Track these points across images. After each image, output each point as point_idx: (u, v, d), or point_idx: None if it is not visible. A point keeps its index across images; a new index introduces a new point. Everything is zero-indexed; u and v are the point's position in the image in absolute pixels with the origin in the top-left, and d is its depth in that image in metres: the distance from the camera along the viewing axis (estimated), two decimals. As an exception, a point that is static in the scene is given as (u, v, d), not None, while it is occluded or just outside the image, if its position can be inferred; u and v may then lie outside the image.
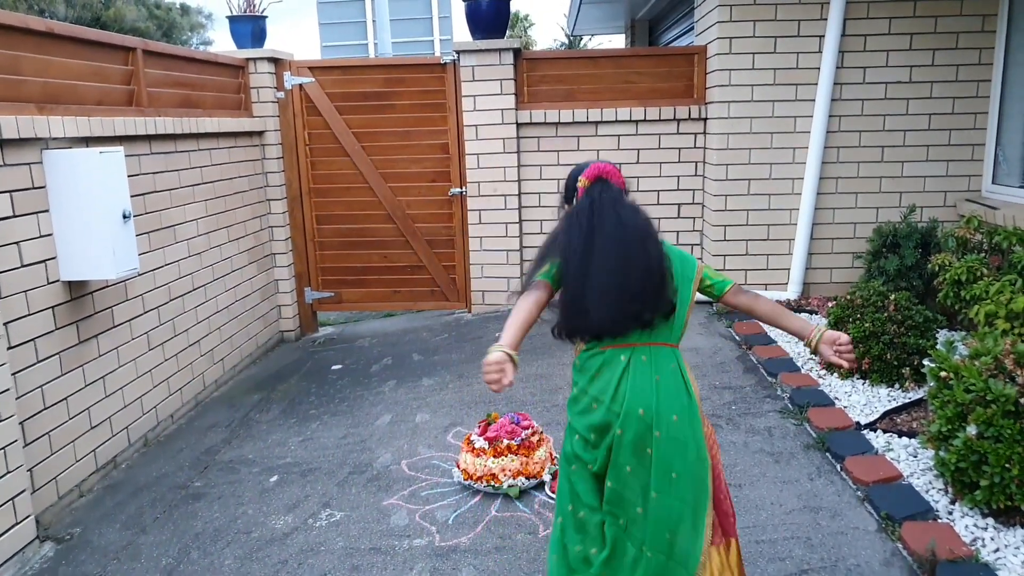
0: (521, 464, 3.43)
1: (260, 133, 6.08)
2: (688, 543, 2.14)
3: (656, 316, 2.22)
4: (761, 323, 5.27)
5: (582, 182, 2.32)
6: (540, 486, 3.45)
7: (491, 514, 3.29)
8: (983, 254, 4.42)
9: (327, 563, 3.03)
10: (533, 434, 3.55)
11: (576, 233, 2.21)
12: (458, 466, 3.57)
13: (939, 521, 2.89)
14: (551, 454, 3.57)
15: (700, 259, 2.11)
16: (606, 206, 2.23)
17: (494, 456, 3.44)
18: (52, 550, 3.31)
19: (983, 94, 5.48)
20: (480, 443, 3.51)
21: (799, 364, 4.51)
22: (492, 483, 3.40)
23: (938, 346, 3.92)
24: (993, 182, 5.50)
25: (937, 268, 4.42)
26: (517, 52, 6.06)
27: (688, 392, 2.24)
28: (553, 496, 3.34)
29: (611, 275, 2.16)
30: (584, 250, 2.18)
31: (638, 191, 6.17)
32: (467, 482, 3.47)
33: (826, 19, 5.40)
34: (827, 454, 3.52)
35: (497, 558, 2.97)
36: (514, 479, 3.40)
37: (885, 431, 3.63)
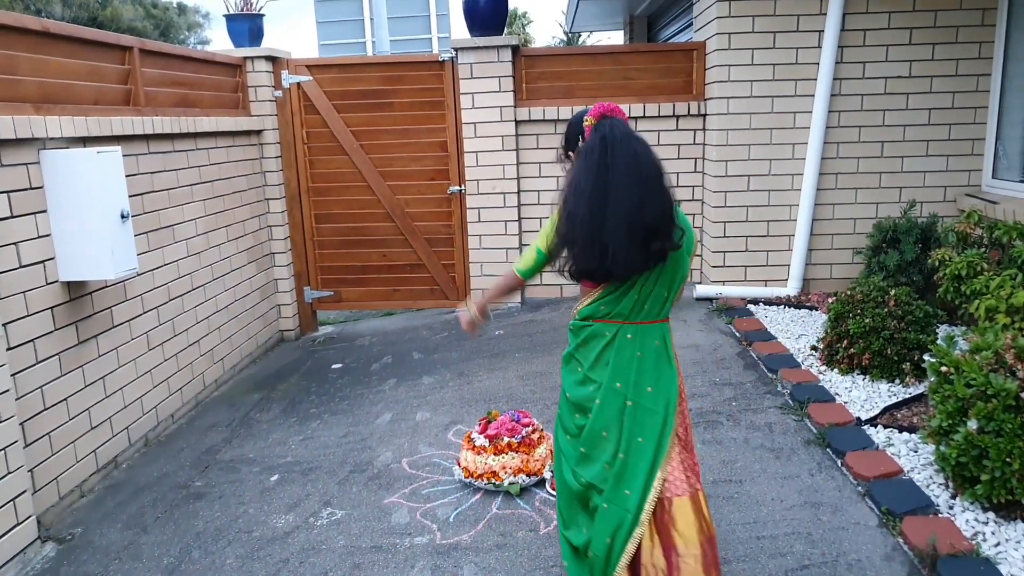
0: (522, 461, 3.42)
1: (258, 132, 6.07)
2: (642, 496, 2.25)
3: (668, 255, 2.23)
4: (761, 320, 5.27)
5: (588, 121, 2.30)
6: (541, 483, 3.45)
7: (492, 512, 3.29)
8: (983, 249, 4.42)
9: (328, 561, 3.03)
10: (534, 431, 3.55)
11: (590, 172, 2.19)
12: (459, 464, 3.57)
13: (940, 516, 2.89)
14: (551, 451, 3.57)
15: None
16: (619, 140, 2.20)
17: (495, 454, 3.43)
18: (54, 550, 3.30)
19: (983, 88, 5.48)
20: (481, 441, 3.50)
21: (799, 360, 4.50)
22: (493, 481, 3.40)
23: (938, 341, 3.92)
24: (993, 176, 5.49)
25: (937, 263, 4.42)
26: (515, 49, 6.05)
27: (669, 363, 2.33)
28: (554, 493, 3.34)
29: (629, 214, 2.14)
30: (598, 188, 2.17)
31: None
32: (468, 480, 3.47)
33: (825, 14, 5.39)
34: (828, 450, 3.52)
35: (498, 555, 2.96)
36: (515, 476, 3.40)
37: (886, 426, 3.62)
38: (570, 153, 2.45)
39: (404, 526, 3.24)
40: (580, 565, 2.40)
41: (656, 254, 2.19)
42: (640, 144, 2.22)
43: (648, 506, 2.24)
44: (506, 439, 3.46)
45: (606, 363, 2.29)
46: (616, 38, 20.83)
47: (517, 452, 3.44)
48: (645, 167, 2.19)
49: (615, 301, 2.27)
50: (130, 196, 4.10)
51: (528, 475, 3.42)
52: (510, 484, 3.39)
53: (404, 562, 2.98)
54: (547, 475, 3.44)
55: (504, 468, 3.41)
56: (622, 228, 2.14)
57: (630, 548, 2.25)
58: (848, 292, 4.38)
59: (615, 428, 2.28)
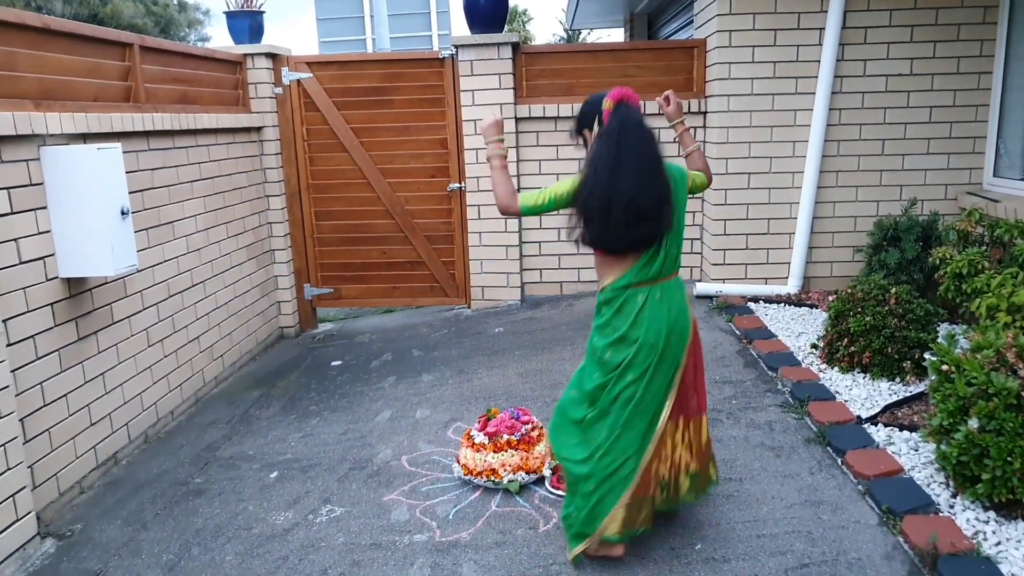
0: (521, 459, 3.42)
1: (258, 129, 6.06)
2: (650, 427, 2.69)
3: (663, 238, 2.61)
4: (761, 318, 5.27)
5: (607, 104, 2.60)
6: (540, 481, 3.44)
7: (491, 509, 3.28)
8: (984, 247, 4.41)
9: (328, 559, 3.03)
10: (533, 429, 3.55)
11: (607, 153, 2.53)
12: (458, 461, 3.57)
13: (940, 515, 2.89)
14: (551, 449, 3.56)
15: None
16: (632, 128, 2.56)
17: (494, 451, 3.43)
18: (53, 546, 3.30)
19: (984, 86, 5.47)
20: (480, 438, 3.50)
21: (799, 358, 4.50)
22: (492, 478, 3.40)
23: (939, 339, 3.91)
24: (994, 175, 5.49)
25: (938, 261, 4.42)
26: (516, 46, 6.05)
27: (688, 313, 2.73)
28: (553, 491, 3.34)
29: (636, 192, 2.50)
30: (613, 169, 2.51)
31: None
32: (467, 477, 3.47)
33: (826, 11, 5.38)
34: (828, 448, 3.51)
35: (498, 553, 2.96)
36: (514, 474, 3.39)
37: (886, 425, 3.62)
38: (584, 131, 2.75)
39: (403, 523, 3.24)
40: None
41: (652, 238, 2.59)
42: (649, 136, 2.58)
43: (660, 427, 2.69)
44: (505, 437, 3.46)
45: (645, 320, 2.62)
46: (616, 35, 20.82)
47: (516, 450, 3.43)
48: (652, 161, 2.56)
49: (647, 267, 2.63)
50: (130, 192, 4.09)
51: (527, 473, 3.41)
52: (509, 482, 3.38)
53: (403, 559, 2.98)
54: (546, 473, 3.44)
55: (503, 466, 3.40)
56: (627, 208, 2.50)
57: (643, 464, 2.67)
58: (849, 290, 4.37)
59: (644, 373, 2.64)
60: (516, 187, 6.14)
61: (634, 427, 2.66)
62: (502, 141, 2.90)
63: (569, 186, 2.64)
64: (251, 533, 3.28)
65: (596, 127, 2.67)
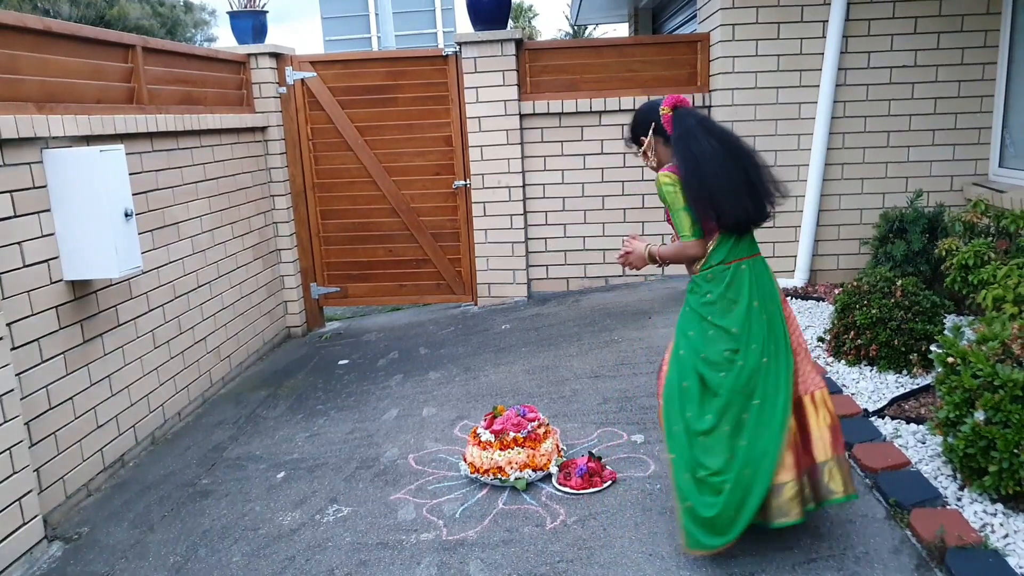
0: (528, 457, 3.42)
1: (263, 129, 6.07)
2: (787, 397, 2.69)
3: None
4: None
5: (665, 111, 2.77)
6: (547, 478, 3.44)
7: (498, 507, 3.28)
8: (990, 238, 4.38)
9: (335, 558, 3.03)
10: (539, 426, 3.54)
11: (711, 147, 2.66)
12: (465, 459, 3.57)
13: (948, 508, 2.87)
14: (557, 446, 3.56)
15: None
16: (707, 121, 2.78)
17: (500, 449, 3.43)
18: (60, 550, 3.32)
19: (989, 77, 5.43)
20: (486, 436, 3.50)
21: (806, 352, 4.48)
22: (499, 476, 3.40)
23: (945, 331, 3.88)
24: (1000, 165, 5.45)
25: (944, 253, 4.39)
26: (519, 43, 6.03)
27: (775, 283, 2.82)
28: (560, 488, 3.34)
29: (755, 171, 2.72)
30: (723, 155, 2.66)
31: (643, 180, 6.15)
32: (474, 475, 3.47)
33: (829, 3, 5.35)
34: (835, 442, 3.49)
35: (504, 551, 2.96)
36: (521, 472, 3.39)
37: (893, 418, 3.60)
38: (642, 138, 2.88)
39: (410, 522, 3.24)
40: (710, 493, 2.65)
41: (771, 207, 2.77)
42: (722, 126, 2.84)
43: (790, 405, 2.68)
44: (512, 434, 3.45)
45: (752, 289, 2.70)
46: (621, 30, 20.76)
47: (523, 447, 3.43)
48: (742, 140, 2.80)
49: (735, 243, 2.72)
50: (134, 194, 4.10)
51: (534, 470, 3.41)
52: (516, 479, 3.38)
53: (410, 558, 2.98)
54: (553, 470, 3.44)
55: (510, 463, 3.40)
56: (763, 183, 2.72)
57: (787, 438, 2.63)
58: (855, 283, 4.35)
59: (761, 340, 2.68)
60: (522, 182, 6.15)
61: (770, 417, 2.64)
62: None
63: (683, 204, 2.70)
64: (258, 534, 3.29)
65: (652, 134, 2.83)
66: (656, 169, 2.85)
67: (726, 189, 2.63)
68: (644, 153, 2.91)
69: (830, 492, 2.69)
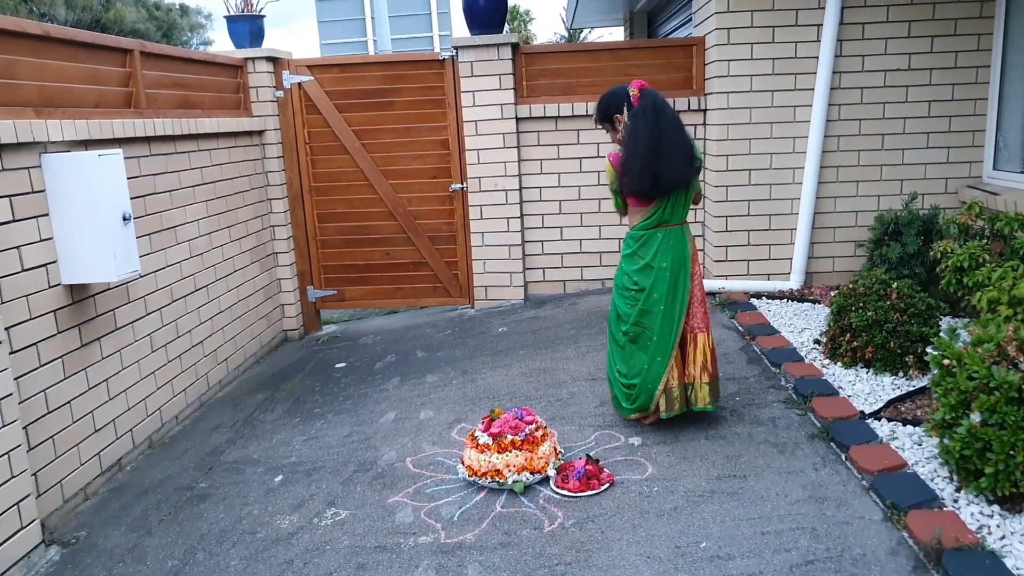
0: (525, 459, 3.42)
1: (260, 132, 6.08)
2: (677, 331, 3.68)
3: (691, 184, 3.61)
4: (764, 314, 5.27)
5: (634, 92, 3.53)
6: (545, 481, 3.45)
7: (496, 510, 3.29)
8: (985, 240, 4.40)
9: (333, 562, 3.04)
10: (537, 429, 3.55)
11: (648, 126, 3.45)
12: (462, 462, 3.57)
13: (945, 509, 2.88)
14: (555, 449, 3.57)
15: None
16: (661, 104, 3.50)
17: (498, 452, 3.43)
18: (58, 554, 3.32)
19: (982, 80, 5.46)
20: (484, 439, 3.50)
21: (802, 354, 4.50)
22: (497, 479, 3.40)
23: (941, 334, 3.90)
24: (994, 168, 5.48)
25: (939, 255, 4.41)
26: (515, 47, 6.05)
27: (687, 246, 3.68)
28: (558, 491, 3.35)
29: (679, 150, 3.48)
30: (654, 138, 3.43)
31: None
32: (472, 478, 3.47)
33: (824, 8, 5.37)
34: (831, 444, 3.51)
35: (503, 554, 2.97)
36: (519, 475, 3.40)
37: (889, 420, 3.62)
38: (617, 116, 3.61)
39: (408, 525, 3.24)
40: (629, 393, 3.77)
41: (686, 179, 3.54)
42: (672, 108, 3.57)
43: (678, 339, 3.66)
44: (509, 437, 3.46)
45: (661, 252, 3.60)
46: (617, 34, 20.80)
47: (521, 450, 3.43)
48: (682, 128, 3.54)
49: (662, 212, 3.59)
50: (132, 198, 4.11)
51: (532, 473, 3.41)
52: (514, 482, 3.39)
53: (408, 562, 2.99)
54: (551, 472, 3.44)
55: (508, 466, 3.41)
56: (676, 161, 3.47)
57: (671, 366, 3.65)
58: (850, 285, 4.37)
59: (664, 291, 3.62)
60: (519, 186, 6.16)
61: (663, 339, 3.63)
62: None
63: (613, 175, 3.61)
64: (256, 537, 3.29)
65: (626, 111, 3.55)
66: (621, 144, 3.60)
67: (639, 166, 3.44)
68: (615, 128, 3.65)
69: (697, 401, 3.68)
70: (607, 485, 3.34)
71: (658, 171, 3.42)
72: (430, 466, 3.76)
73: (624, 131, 3.56)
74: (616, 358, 3.83)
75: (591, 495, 3.29)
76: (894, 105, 5.53)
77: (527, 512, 3.25)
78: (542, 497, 3.35)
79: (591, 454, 3.55)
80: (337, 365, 5.58)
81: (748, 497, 3.16)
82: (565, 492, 3.32)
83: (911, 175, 5.63)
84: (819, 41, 5.44)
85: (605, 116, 3.68)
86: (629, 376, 3.75)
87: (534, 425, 3.56)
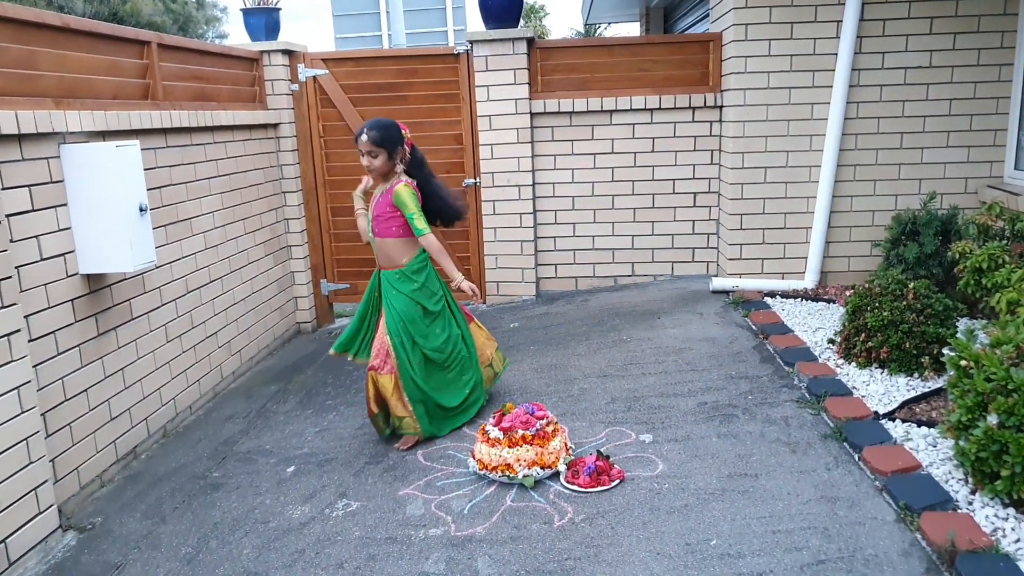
0: (536, 454, 3.43)
1: (275, 125, 6.10)
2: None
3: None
4: (778, 313, 5.24)
5: (408, 136, 4.02)
6: (555, 476, 3.45)
7: (506, 504, 3.29)
8: (1005, 241, 4.37)
9: (344, 553, 3.05)
10: (548, 424, 3.55)
11: (436, 181, 4.15)
12: (473, 456, 3.58)
13: (959, 511, 2.87)
14: (566, 444, 3.57)
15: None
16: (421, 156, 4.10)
17: (509, 446, 3.44)
18: (74, 539, 3.35)
19: (1005, 78, 5.40)
20: (495, 433, 3.51)
21: (816, 353, 4.47)
22: (507, 473, 3.41)
23: (958, 334, 3.87)
24: (1015, 168, 5.42)
25: (957, 255, 4.37)
26: (530, 41, 6.04)
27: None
28: (568, 486, 3.35)
29: (458, 205, 4.23)
30: (443, 191, 4.16)
31: (653, 179, 6.15)
32: (482, 472, 3.48)
33: (843, 3, 5.33)
34: (845, 444, 3.49)
35: (512, 548, 2.97)
36: (529, 469, 3.40)
37: (904, 420, 3.59)
38: (400, 148, 3.96)
39: (419, 518, 3.25)
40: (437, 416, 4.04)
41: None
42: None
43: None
44: (520, 432, 3.47)
45: (438, 279, 4.08)
46: (633, 30, 20.74)
47: (531, 445, 3.44)
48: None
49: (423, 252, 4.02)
50: (148, 189, 4.14)
51: (542, 468, 3.42)
52: (524, 477, 3.39)
53: (419, 553, 3.00)
54: (561, 468, 3.44)
55: (518, 461, 3.41)
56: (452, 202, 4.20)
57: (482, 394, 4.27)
58: (866, 285, 4.34)
59: (448, 313, 4.11)
60: (532, 181, 6.16)
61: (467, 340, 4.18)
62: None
63: (417, 205, 3.94)
64: (268, 527, 3.31)
65: (406, 150, 3.99)
66: (371, 171, 3.94)
67: (448, 210, 4.14)
68: (389, 157, 3.91)
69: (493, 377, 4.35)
70: (617, 481, 3.34)
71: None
72: (441, 459, 3.77)
73: (401, 172, 3.99)
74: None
75: (601, 491, 3.29)
76: (914, 103, 5.49)
77: (537, 507, 3.25)
78: (552, 492, 3.35)
79: (602, 450, 3.55)
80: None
81: (759, 496, 3.15)
82: (575, 487, 3.32)
83: (930, 174, 5.59)
84: (838, 38, 5.40)
85: (389, 143, 3.92)
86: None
87: (545, 420, 3.56)
